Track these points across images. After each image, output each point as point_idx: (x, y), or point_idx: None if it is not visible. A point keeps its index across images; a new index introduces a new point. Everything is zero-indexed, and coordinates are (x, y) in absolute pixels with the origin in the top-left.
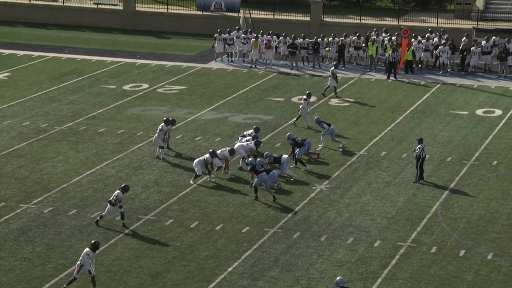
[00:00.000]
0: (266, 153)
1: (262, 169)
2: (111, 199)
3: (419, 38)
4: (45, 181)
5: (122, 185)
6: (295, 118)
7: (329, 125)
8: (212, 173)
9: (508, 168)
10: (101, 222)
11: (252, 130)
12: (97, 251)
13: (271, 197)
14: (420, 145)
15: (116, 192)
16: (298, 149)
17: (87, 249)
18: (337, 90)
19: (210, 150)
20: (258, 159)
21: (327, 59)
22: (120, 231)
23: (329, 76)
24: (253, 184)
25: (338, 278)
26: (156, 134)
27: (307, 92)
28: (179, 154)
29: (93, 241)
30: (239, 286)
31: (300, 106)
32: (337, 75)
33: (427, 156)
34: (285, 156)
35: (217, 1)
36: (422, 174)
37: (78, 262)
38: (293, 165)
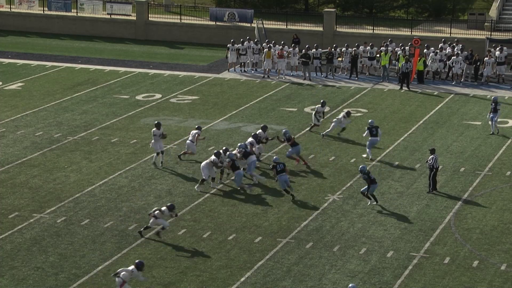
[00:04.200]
0: (240, 144)
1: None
2: (155, 213)
3: (431, 48)
4: (58, 190)
5: (168, 204)
6: (324, 131)
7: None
8: (213, 185)
9: None
10: (145, 232)
11: (260, 131)
12: (141, 270)
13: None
14: (432, 156)
15: (163, 208)
16: (369, 186)
17: (133, 266)
18: (346, 103)
19: (215, 151)
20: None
21: (340, 69)
22: (132, 241)
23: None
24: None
25: (350, 285)
26: (153, 141)
27: (347, 111)
28: (192, 164)
29: (137, 261)
30: None
31: (336, 118)
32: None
33: (441, 167)
34: (253, 157)
35: (230, 12)
36: (435, 184)
37: (119, 278)
38: (369, 203)
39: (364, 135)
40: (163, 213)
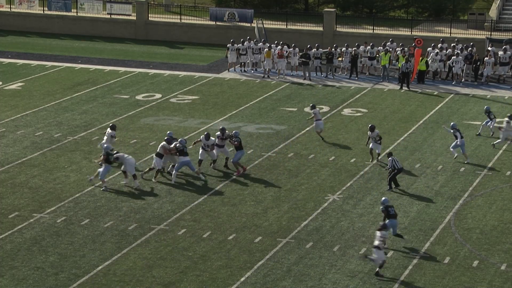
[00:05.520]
0: (181, 139)
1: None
2: (377, 244)
3: (437, 50)
4: (58, 190)
5: (381, 223)
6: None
7: (461, 136)
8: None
9: None
10: (381, 271)
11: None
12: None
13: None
14: (390, 158)
15: (379, 233)
16: (385, 219)
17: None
18: (346, 103)
19: (166, 138)
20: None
21: (340, 69)
22: (132, 241)
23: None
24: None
25: (383, 198)
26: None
27: (509, 114)
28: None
29: None
30: None
31: (502, 129)
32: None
33: (440, 166)
34: (184, 158)
35: (230, 11)
36: (392, 183)
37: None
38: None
39: (446, 128)
40: (384, 238)
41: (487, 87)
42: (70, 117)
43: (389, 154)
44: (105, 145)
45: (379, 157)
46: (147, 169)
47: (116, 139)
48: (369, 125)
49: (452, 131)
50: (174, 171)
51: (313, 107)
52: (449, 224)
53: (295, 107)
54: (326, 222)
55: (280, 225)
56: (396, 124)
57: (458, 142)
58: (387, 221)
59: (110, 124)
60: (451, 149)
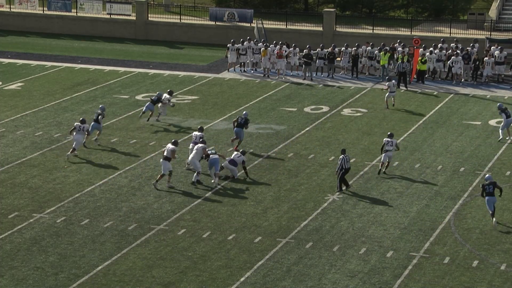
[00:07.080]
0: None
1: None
2: None
3: (431, 49)
4: (58, 190)
5: None
6: None
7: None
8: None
9: None
10: None
11: (197, 133)
12: None
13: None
14: (342, 156)
15: None
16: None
17: None
18: (346, 103)
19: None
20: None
21: (341, 69)
22: (132, 241)
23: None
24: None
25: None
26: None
27: None
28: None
29: None
30: None
31: None
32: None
33: (440, 166)
34: (215, 156)
35: (230, 11)
36: (341, 184)
37: None
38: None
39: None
40: None
41: (487, 87)
42: (70, 117)
43: (343, 151)
44: (101, 106)
45: (386, 168)
46: (159, 176)
47: (171, 104)
48: (389, 133)
49: (502, 112)
50: (216, 172)
51: (389, 80)
52: (449, 224)
53: (295, 107)
54: (326, 222)
55: (280, 225)
56: (396, 124)
57: (505, 122)
58: (486, 197)
59: (169, 90)
60: (500, 130)
